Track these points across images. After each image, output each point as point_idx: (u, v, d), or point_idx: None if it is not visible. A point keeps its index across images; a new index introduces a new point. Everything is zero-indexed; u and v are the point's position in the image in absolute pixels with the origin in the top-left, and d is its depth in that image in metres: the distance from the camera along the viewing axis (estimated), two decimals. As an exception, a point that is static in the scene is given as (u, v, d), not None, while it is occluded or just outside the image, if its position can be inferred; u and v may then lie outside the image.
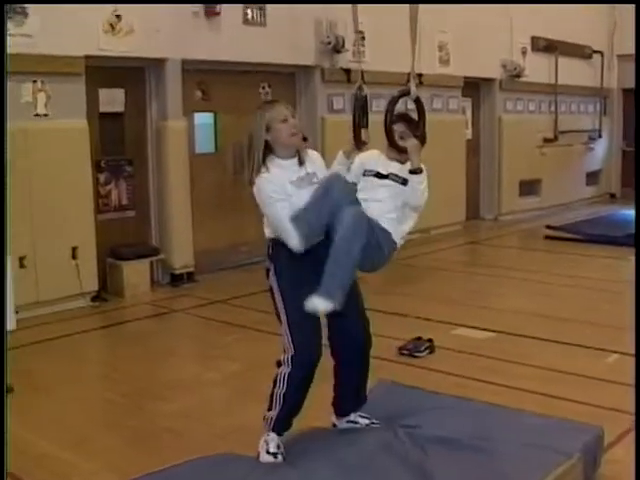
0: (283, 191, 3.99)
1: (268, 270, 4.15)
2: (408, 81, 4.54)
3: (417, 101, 4.50)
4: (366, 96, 4.52)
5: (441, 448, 4.09)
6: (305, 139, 4.22)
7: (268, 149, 4.08)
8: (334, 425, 4.53)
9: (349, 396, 4.46)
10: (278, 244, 4.06)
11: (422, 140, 4.32)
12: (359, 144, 4.38)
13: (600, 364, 6.01)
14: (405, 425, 4.40)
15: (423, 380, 5.52)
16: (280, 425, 4.12)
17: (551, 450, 4.00)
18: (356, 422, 4.48)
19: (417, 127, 4.41)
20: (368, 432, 4.37)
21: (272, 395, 4.09)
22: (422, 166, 4.18)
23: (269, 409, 4.11)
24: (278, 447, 4.08)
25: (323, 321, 4.12)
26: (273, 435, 4.11)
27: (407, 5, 4.90)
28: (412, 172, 4.16)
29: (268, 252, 4.16)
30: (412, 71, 4.65)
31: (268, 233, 4.15)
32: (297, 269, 4.04)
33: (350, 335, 4.28)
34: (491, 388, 5.47)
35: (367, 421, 4.49)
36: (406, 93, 4.49)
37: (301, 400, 4.12)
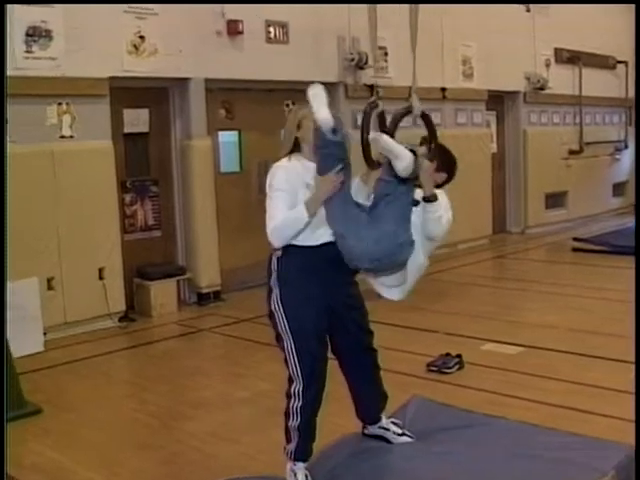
0: (293, 186, 3.91)
1: (270, 291, 4.04)
2: (409, 96, 4.25)
3: (424, 117, 4.24)
4: (383, 112, 4.35)
5: (474, 466, 4.06)
6: None
7: (297, 147, 4.04)
8: (364, 428, 4.50)
9: (371, 402, 4.42)
10: (283, 258, 3.96)
11: (432, 159, 4.11)
12: (371, 165, 4.31)
13: (631, 377, 5.92)
14: (438, 442, 4.37)
15: (453, 396, 5.47)
16: (302, 454, 4.08)
17: (585, 467, 3.95)
18: (388, 429, 4.44)
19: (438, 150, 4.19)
20: (400, 450, 4.34)
21: (287, 428, 4.06)
22: (437, 192, 3.99)
23: (287, 442, 4.08)
24: (306, 477, 4.05)
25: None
26: (299, 464, 4.07)
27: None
28: (426, 200, 3.92)
29: (273, 271, 4.02)
30: (413, 84, 4.32)
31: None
32: (304, 289, 3.95)
33: (353, 342, 4.21)
34: (522, 404, 5.41)
35: (399, 430, 4.45)
36: (408, 111, 4.21)
37: (315, 424, 4.09)
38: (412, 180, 3.94)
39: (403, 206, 3.88)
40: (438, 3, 11.20)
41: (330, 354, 4.17)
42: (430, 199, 3.90)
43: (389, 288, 4.11)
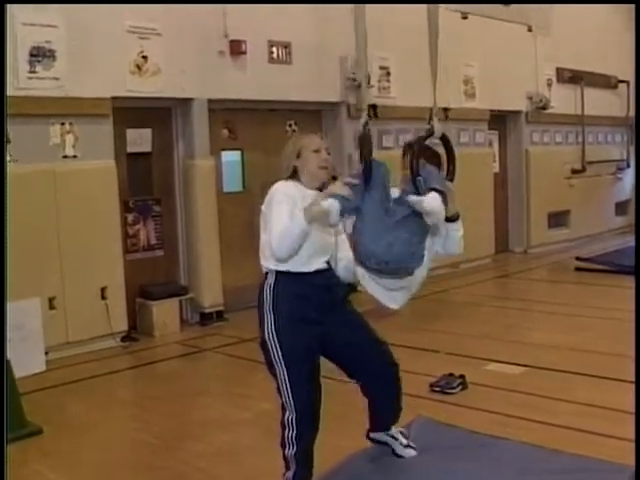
0: (292, 198, 3.86)
1: (263, 319, 3.98)
2: (430, 119, 4.27)
3: (443, 139, 4.28)
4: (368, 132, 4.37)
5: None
6: (334, 178, 4.11)
7: (295, 176, 4.03)
8: (368, 436, 4.50)
9: (389, 414, 4.43)
10: (277, 285, 3.92)
11: (451, 181, 4.18)
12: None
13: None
14: (441, 462, 4.35)
15: (456, 417, 5.44)
16: None
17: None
18: (396, 438, 4.46)
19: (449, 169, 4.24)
20: (402, 470, 4.32)
21: (284, 456, 4.04)
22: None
23: (286, 469, 4.06)
24: None
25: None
26: None
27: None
28: (449, 220, 3.99)
29: (265, 299, 3.97)
30: (434, 106, 4.32)
31: (269, 265, 3.96)
32: (299, 316, 3.92)
33: (373, 367, 4.22)
34: (526, 425, 5.37)
35: (405, 441, 4.47)
36: (430, 134, 4.22)
37: (312, 450, 4.07)
38: None
39: (419, 220, 3.94)
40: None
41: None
42: (453, 218, 4.00)
43: (390, 292, 4.10)
